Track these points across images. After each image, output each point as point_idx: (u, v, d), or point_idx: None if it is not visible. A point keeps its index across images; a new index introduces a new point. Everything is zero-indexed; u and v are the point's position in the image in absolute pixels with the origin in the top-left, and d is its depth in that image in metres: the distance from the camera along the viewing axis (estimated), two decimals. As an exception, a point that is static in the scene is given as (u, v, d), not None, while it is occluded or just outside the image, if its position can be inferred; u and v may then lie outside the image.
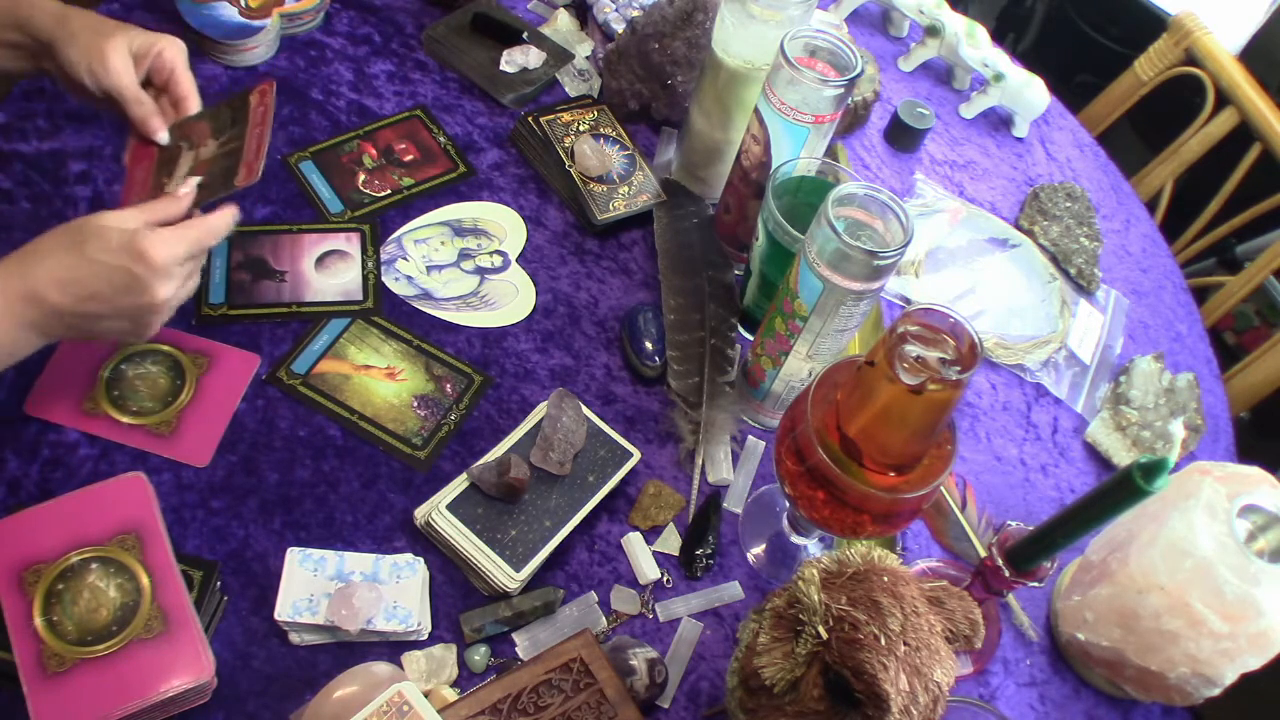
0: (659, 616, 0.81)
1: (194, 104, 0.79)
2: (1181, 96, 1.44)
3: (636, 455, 0.85)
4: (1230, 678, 0.78)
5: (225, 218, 0.73)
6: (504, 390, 0.90)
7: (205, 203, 0.76)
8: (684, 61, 1.04)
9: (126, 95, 0.77)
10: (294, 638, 0.74)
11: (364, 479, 0.82)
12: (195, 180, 0.75)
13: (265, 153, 0.77)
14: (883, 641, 0.60)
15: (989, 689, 0.85)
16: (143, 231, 0.68)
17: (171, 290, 0.70)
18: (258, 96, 0.80)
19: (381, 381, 0.87)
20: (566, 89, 1.13)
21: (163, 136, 0.79)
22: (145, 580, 0.69)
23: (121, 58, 0.76)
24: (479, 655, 0.75)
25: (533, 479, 0.81)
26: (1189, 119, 1.40)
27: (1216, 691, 0.79)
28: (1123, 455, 1.01)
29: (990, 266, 1.14)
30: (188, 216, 0.73)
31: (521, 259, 0.98)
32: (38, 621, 0.66)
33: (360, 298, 0.91)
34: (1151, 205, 1.41)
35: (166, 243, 0.68)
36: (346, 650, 0.74)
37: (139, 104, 0.77)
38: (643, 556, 0.83)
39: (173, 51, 0.78)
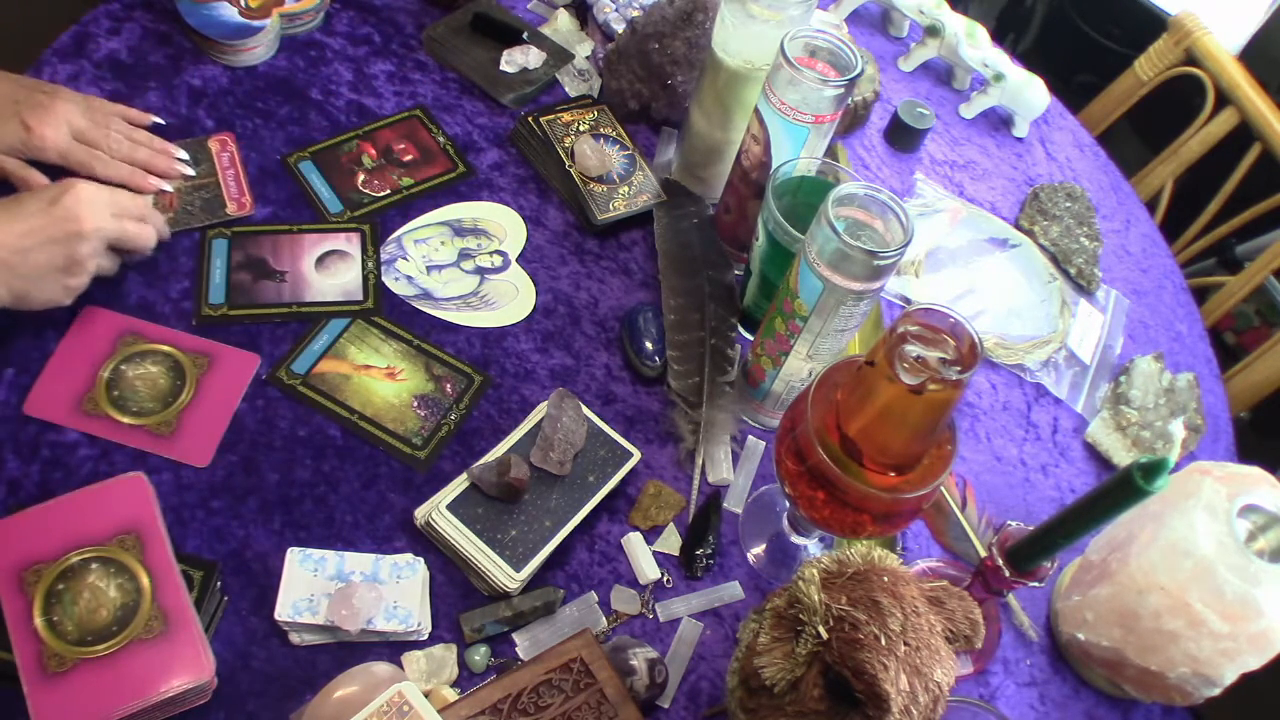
0: (659, 616, 0.81)
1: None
2: (1181, 96, 1.44)
3: (636, 455, 0.85)
4: (1230, 678, 0.78)
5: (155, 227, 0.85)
6: (504, 390, 0.90)
7: (193, 227, 0.91)
8: (684, 61, 1.04)
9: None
10: (294, 638, 0.74)
11: (364, 479, 0.82)
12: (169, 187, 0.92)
13: (249, 190, 0.90)
14: (883, 641, 0.60)
15: (989, 689, 0.85)
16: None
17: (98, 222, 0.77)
18: (218, 144, 0.92)
19: (381, 381, 0.87)
20: (566, 89, 1.12)
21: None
22: (145, 580, 0.69)
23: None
24: (479, 655, 0.75)
25: (533, 479, 0.81)
26: (1189, 119, 1.40)
27: (1217, 691, 0.79)
28: (1123, 455, 1.01)
29: (990, 266, 1.14)
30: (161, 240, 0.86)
31: (521, 259, 0.98)
32: (38, 621, 0.66)
33: (360, 298, 0.91)
34: (1151, 205, 1.41)
35: (94, 184, 0.78)
36: (346, 650, 0.74)
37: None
38: (643, 556, 0.83)
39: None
